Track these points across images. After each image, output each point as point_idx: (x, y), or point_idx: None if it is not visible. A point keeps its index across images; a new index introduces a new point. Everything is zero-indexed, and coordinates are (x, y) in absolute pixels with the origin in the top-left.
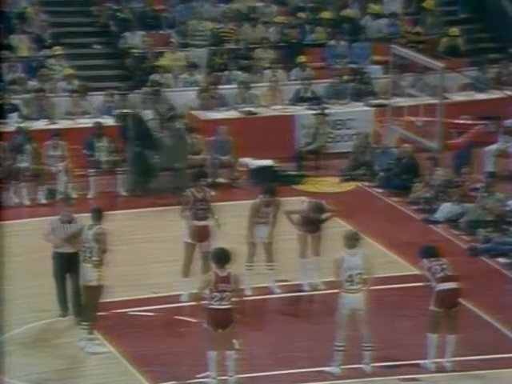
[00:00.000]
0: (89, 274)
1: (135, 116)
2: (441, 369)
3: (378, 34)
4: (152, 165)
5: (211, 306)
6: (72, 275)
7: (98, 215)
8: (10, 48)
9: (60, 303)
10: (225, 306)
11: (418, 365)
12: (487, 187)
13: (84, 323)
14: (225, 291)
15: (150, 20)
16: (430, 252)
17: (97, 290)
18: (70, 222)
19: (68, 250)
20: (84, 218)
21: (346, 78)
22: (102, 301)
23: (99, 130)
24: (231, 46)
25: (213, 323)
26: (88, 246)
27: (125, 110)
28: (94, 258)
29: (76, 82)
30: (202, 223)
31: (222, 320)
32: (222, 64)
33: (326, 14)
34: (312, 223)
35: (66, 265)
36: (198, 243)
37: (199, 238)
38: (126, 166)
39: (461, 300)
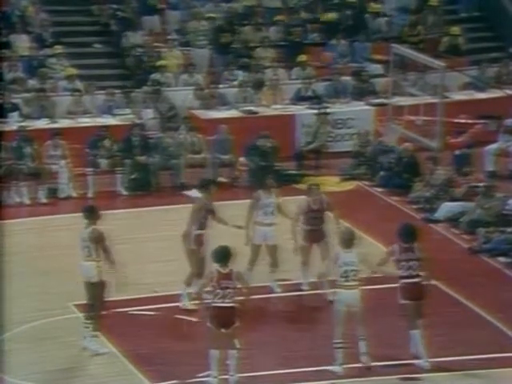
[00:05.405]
0: (89, 271)
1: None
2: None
3: (379, 33)
4: None
5: (214, 305)
6: None
7: (89, 214)
8: (10, 47)
9: None
10: (228, 304)
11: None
12: (487, 186)
13: (88, 321)
14: (227, 288)
15: (149, 19)
16: (408, 237)
17: (99, 287)
18: None
19: None
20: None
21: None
22: (105, 298)
23: (105, 133)
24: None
25: (216, 322)
26: (85, 244)
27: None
28: (93, 256)
29: (77, 82)
30: (204, 232)
31: (224, 319)
32: None
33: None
34: (315, 217)
35: None
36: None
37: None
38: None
39: (425, 293)
